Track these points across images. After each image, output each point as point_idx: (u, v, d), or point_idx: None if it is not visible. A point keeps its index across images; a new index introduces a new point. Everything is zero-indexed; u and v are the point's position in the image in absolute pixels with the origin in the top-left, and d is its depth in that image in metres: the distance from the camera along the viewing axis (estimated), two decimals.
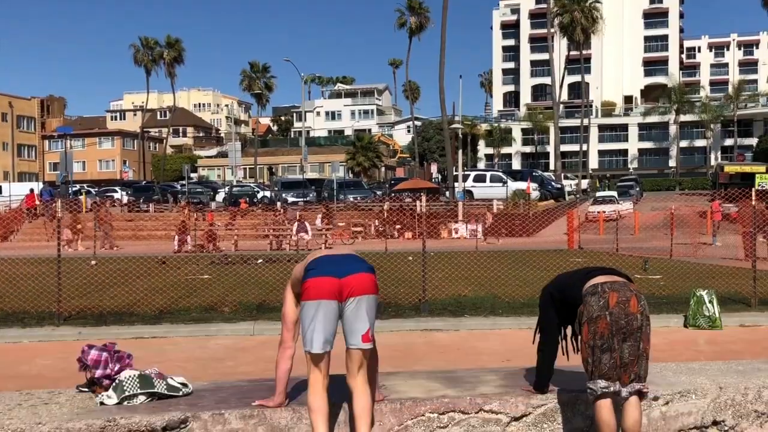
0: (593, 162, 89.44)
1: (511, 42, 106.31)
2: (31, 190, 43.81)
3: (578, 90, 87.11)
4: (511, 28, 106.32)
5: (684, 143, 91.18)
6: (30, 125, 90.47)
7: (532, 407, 4.96)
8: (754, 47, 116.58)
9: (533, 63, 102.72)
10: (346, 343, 4.40)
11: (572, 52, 78.31)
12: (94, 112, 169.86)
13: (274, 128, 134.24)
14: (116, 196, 52.56)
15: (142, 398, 4.85)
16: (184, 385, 5.10)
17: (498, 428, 4.93)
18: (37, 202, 40.73)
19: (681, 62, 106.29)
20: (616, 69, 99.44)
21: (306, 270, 4.45)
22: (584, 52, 78.85)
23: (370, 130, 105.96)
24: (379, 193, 49.53)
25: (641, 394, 4.50)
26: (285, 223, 32.46)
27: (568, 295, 4.70)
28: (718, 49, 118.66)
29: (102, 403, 4.83)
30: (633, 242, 28.11)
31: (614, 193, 50.18)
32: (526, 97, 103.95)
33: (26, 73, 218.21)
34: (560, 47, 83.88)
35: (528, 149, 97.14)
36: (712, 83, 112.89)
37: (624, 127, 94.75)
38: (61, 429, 4.46)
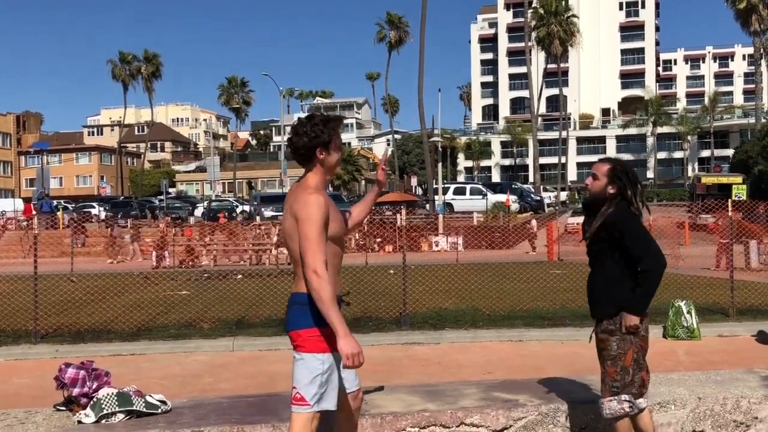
0: (572, 174, 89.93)
1: (489, 56, 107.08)
2: (27, 201, 44.16)
3: (556, 103, 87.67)
4: (489, 42, 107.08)
5: (661, 155, 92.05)
6: (6, 141, 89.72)
7: (512, 420, 4.95)
8: (729, 59, 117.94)
9: (511, 76, 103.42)
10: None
11: (550, 66, 78.86)
12: (71, 127, 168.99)
13: (253, 142, 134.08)
14: (94, 211, 52.25)
15: (120, 416, 4.81)
16: (163, 402, 5.06)
17: None
18: (34, 212, 41.05)
19: (657, 75, 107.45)
20: (594, 82, 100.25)
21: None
22: (562, 65, 79.46)
23: (349, 143, 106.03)
24: None
25: None
26: (264, 238, 32.35)
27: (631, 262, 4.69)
28: (694, 61, 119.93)
29: (80, 422, 4.79)
30: None
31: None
32: (504, 110, 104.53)
33: (1, 89, 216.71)
34: (538, 60, 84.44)
35: (507, 162, 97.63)
36: (688, 95, 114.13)
37: (602, 140, 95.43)
38: None
